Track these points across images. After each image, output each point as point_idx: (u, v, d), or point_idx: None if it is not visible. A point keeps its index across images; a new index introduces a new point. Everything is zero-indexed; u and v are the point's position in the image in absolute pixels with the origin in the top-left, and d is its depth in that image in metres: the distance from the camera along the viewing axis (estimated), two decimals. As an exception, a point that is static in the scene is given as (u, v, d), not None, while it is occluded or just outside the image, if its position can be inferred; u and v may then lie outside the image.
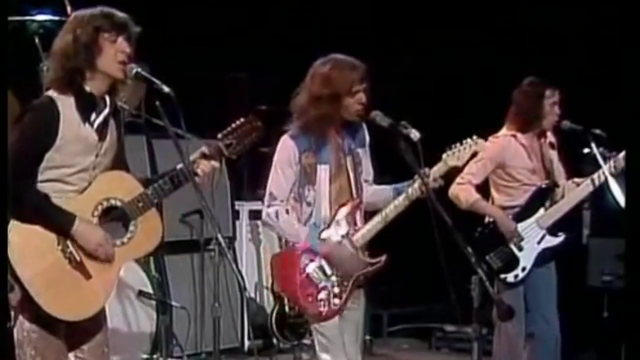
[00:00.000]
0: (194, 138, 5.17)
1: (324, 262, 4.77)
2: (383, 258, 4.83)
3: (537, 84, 6.02)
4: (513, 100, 6.06)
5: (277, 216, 4.77)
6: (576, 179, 6.02)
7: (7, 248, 3.88)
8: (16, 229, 3.92)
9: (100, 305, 4.06)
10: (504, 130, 6.05)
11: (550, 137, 6.12)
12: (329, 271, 4.77)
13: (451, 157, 4.79)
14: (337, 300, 4.75)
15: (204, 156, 4.20)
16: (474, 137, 4.82)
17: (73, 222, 3.95)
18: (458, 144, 4.80)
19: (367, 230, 4.80)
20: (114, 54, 4.00)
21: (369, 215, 4.85)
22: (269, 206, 4.78)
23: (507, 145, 5.99)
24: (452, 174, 5.15)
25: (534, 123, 6.00)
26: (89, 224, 4.00)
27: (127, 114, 6.21)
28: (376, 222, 4.80)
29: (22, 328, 3.98)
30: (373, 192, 4.92)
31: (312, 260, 4.77)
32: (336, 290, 4.75)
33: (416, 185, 4.74)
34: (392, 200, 4.80)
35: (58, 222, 3.95)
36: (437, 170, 4.77)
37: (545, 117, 5.99)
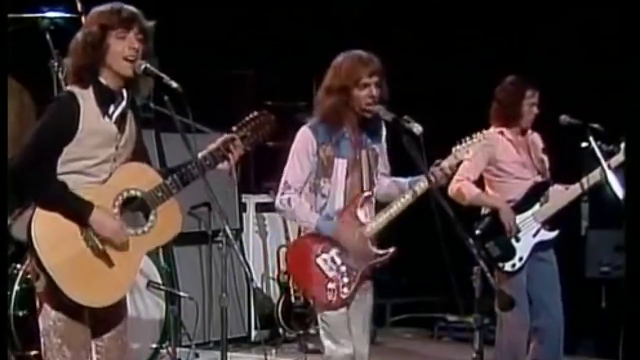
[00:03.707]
0: (205, 130, 5.28)
1: (334, 253, 4.84)
2: (391, 250, 4.91)
3: (518, 83, 6.09)
4: (495, 96, 6.15)
5: (289, 203, 4.82)
6: (566, 186, 6.10)
7: (34, 236, 3.96)
8: (39, 220, 3.99)
9: (122, 292, 4.13)
10: (491, 129, 6.11)
11: (540, 142, 6.22)
12: (338, 261, 4.84)
13: (461, 151, 4.86)
14: (345, 290, 4.82)
15: (232, 140, 4.30)
16: (483, 131, 4.90)
17: (91, 210, 4.01)
18: (467, 138, 4.86)
19: (377, 222, 4.88)
20: (122, 51, 4.04)
21: (383, 206, 4.92)
22: (282, 194, 4.84)
23: (495, 142, 6.06)
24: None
25: (513, 121, 6.10)
26: (105, 213, 4.05)
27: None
28: (386, 215, 4.88)
29: (48, 317, 4.04)
30: (389, 184, 4.97)
31: (323, 250, 4.84)
32: (345, 280, 4.83)
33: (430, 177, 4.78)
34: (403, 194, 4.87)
35: (76, 210, 4.01)
36: (448, 163, 4.83)
37: (523, 117, 6.09)
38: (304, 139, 4.85)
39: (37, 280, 4.05)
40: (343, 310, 4.85)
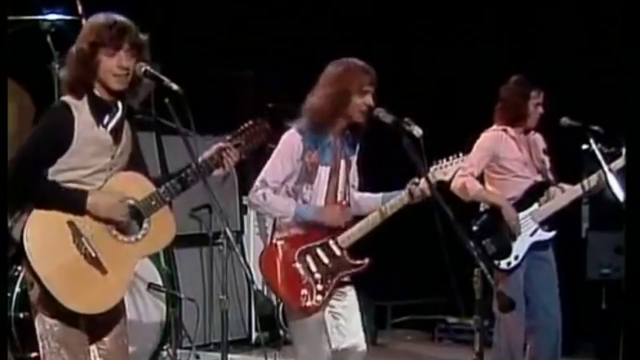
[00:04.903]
0: (201, 138, 5.30)
1: (310, 260, 4.88)
2: (366, 261, 4.94)
3: (523, 83, 6.12)
4: (500, 96, 6.17)
5: (264, 197, 4.85)
6: (563, 185, 6.12)
7: (26, 246, 3.97)
8: (30, 230, 3.99)
9: (117, 299, 4.13)
10: (494, 126, 6.17)
11: (542, 142, 6.23)
12: (314, 268, 4.88)
13: (438, 171, 4.87)
14: (319, 297, 4.86)
15: (226, 149, 4.29)
16: (460, 154, 4.91)
17: (86, 196, 4.03)
18: (444, 159, 4.88)
19: (352, 232, 4.92)
20: (111, 68, 4.05)
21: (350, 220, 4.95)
22: (256, 190, 4.87)
23: (499, 138, 6.10)
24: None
25: (518, 120, 6.12)
26: (100, 193, 4.06)
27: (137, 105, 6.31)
28: (362, 226, 4.91)
29: (44, 322, 4.05)
30: (359, 198, 5.03)
31: (299, 257, 4.87)
32: (319, 287, 4.86)
33: (406, 191, 4.83)
34: (379, 207, 4.90)
35: (72, 200, 4.02)
36: (424, 183, 4.82)
37: (529, 117, 6.11)
38: (291, 142, 4.88)
39: (32, 288, 4.06)
40: (319, 315, 4.88)
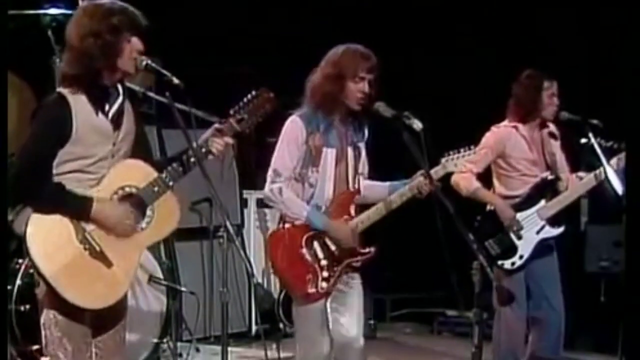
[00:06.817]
0: (208, 117, 5.30)
1: (317, 246, 4.89)
2: (372, 249, 4.95)
3: (534, 76, 6.09)
4: (512, 93, 6.13)
5: (280, 192, 4.84)
6: (580, 173, 6.06)
7: (30, 247, 3.93)
8: (33, 231, 3.95)
9: (123, 291, 4.09)
10: (505, 122, 6.14)
11: (552, 128, 6.18)
12: (320, 255, 4.89)
13: (449, 163, 4.90)
14: (324, 284, 4.86)
15: (218, 131, 4.24)
16: (472, 146, 4.94)
17: (91, 204, 3.98)
18: (456, 151, 4.91)
19: (359, 220, 4.92)
20: (129, 53, 4.02)
21: (358, 208, 4.96)
22: (272, 182, 4.86)
23: (507, 135, 6.08)
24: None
25: (534, 114, 6.07)
26: (106, 202, 4.02)
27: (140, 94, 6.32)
28: (369, 215, 4.92)
29: (48, 311, 4.02)
30: (366, 186, 5.03)
31: (306, 243, 4.87)
32: (325, 274, 4.87)
33: (414, 183, 4.84)
34: (385, 197, 4.92)
35: (77, 207, 3.97)
36: (435, 173, 4.85)
37: (545, 108, 6.06)
38: (294, 127, 4.87)
39: (38, 287, 4.03)
40: (322, 303, 4.89)
